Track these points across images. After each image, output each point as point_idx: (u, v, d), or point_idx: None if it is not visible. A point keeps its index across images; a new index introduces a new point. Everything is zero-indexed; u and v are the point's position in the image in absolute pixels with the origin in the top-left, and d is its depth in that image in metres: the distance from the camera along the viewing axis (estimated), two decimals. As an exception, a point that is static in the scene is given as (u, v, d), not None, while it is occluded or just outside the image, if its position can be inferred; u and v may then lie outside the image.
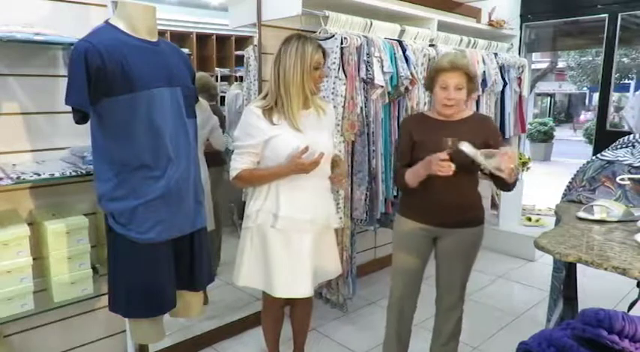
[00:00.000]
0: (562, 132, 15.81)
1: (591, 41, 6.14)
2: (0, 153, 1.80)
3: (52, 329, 2.03)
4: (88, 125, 1.58)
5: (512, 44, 3.95)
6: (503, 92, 3.56)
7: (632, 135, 2.10)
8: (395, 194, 2.74)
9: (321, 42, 1.97)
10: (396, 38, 2.74)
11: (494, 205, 4.35)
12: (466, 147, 1.69)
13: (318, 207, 1.91)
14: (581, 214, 1.72)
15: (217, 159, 2.58)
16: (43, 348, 2.02)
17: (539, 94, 19.94)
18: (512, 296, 3.27)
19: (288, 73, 1.78)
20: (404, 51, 2.68)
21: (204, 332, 2.49)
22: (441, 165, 1.68)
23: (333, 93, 2.40)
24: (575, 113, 21.27)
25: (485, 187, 1.96)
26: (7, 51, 1.75)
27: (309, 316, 2.21)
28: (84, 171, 1.77)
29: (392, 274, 2.09)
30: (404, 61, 2.64)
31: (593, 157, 2.08)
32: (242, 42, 2.79)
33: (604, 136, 3.79)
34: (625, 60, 14.19)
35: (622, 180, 1.88)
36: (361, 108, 2.49)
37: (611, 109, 4.60)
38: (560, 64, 16.62)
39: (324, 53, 1.86)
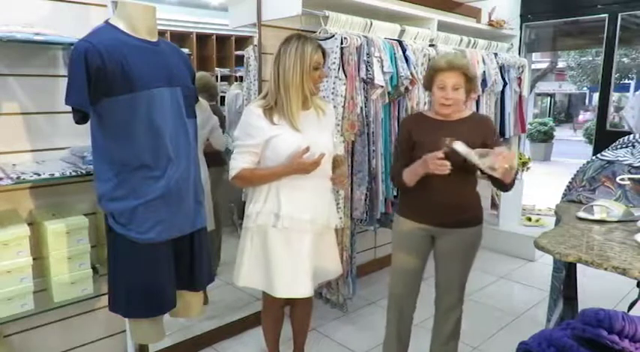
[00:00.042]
0: (562, 132, 15.81)
1: (591, 41, 6.14)
2: (0, 153, 1.80)
3: (52, 329, 2.03)
4: (88, 125, 1.58)
5: (512, 44, 3.95)
6: (503, 92, 3.56)
7: (632, 135, 2.10)
8: (395, 194, 2.74)
9: (321, 42, 1.97)
10: (396, 38, 2.74)
11: (494, 205, 4.36)
12: (459, 146, 1.70)
13: (318, 207, 1.91)
14: (581, 214, 1.72)
15: (217, 159, 2.58)
16: (43, 348, 2.02)
17: (539, 94, 19.94)
18: (512, 296, 3.27)
19: (288, 73, 1.78)
20: (404, 51, 2.68)
21: (204, 332, 2.49)
22: (437, 163, 1.70)
23: (333, 93, 2.40)
24: (575, 113, 21.27)
25: (485, 187, 1.96)
26: (7, 51, 1.75)
27: (309, 316, 2.21)
28: (84, 171, 1.77)
29: (391, 274, 2.09)
30: (404, 61, 2.64)
31: (593, 157, 2.08)
32: (242, 42, 2.79)
33: (604, 136, 3.79)
34: (625, 60, 14.19)
35: (622, 180, 1.88)
36: (361, 108, 2.49)
37: (611, 109, 4.60)
38: (560, 64, 16.62)
39: (324, 53, 1.86)
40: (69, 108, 1.52)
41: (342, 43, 2.39)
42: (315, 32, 2.45)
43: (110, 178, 1.61)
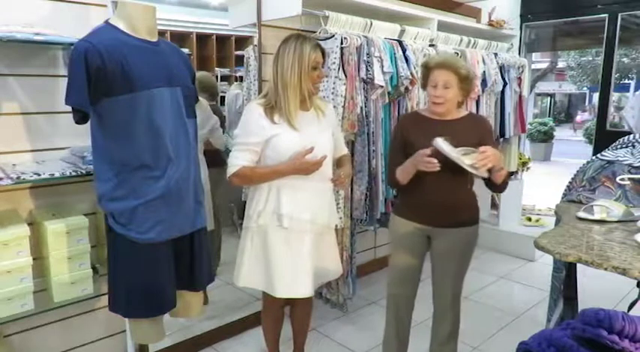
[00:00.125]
0: (562, 132, 15.82)
1: (591, 41, 6.15)
2: (0, 153, 1.80)
3: (52, 329, 2.03)
4: (88, 125, 1.58)
5: (512, 44, 3.95)
6: (503, 92, 3.56)
7: (632, 135, 2.10)
8: (395, 194, 2.74)
9: (321, 42, 1.97)
10: (396, 38, 2.74)
11: (494, 205, 4.36)
12: (440, 143, 1.70)
13: (319, 207, 1.91)
14: (581, 214, 1.72)
15: (217, 159, 2.57)
16: (43, 348, 2.02)
17: (539, 94, 19.95)
18: (512, 296, 3.27)
19: (286, 72, 1.78)
20: (404, 51, 2.68)
21: (204, 332, 2.49)
22: (425, 161, 1.72)
23: (333, 93, 2.40)
24: (575, 113, 21.28)
25: (485, 187, 1.96)
26: (7, 51, 1.75)
27: (309, 316, 2.21)
28: (84, 171, 1.77)
29: (389, 273, 2.09)
30: (404, 61, 2.65)
31: (593, 157, 2.08)
32: (242, 42, 2.79)
33: (604, 136, 3.79)
34: (625, 60, 14.19)
35: (622, 180, 1.88)
36: (361, 108, 2.49)
37: (611, 109, 4.60)
38: (560, 64, 16.62)
39: (324, 53, 1.87)
40: (69, 108, 1.52)
41: (342, 43, 2.39)
42: (315, 32, 2.45)
43: (110, 178, 1.60)
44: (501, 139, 3.69)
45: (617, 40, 3.77)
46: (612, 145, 2.12)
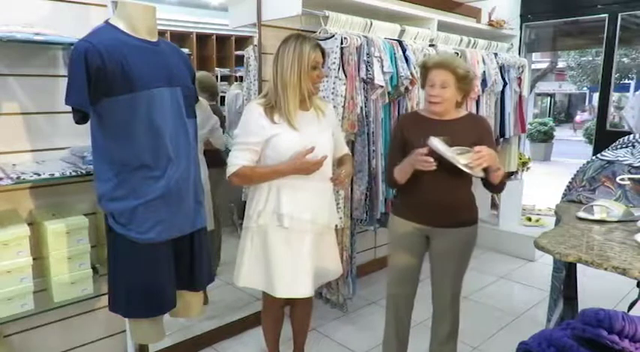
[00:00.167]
0: (562, 132, 15.82)
1: (591, 41, 6.15)
2: (0, 153, 1.80)
3: (52, 329, 2.03)
4: (88, 125, 1.58)
5: (512, 44, 3.95)
6: (503, 92, 3.56)
7: (632, 135, 2.10)
8: (395, 194, 2.74)
9: (321, 42, 1.97)
10: (396, 38, 2.74)
11: (495, 205, 4.36)
12: (434, 142, 1.71)
13: (319, 207, 1.91)
14: (581, 214, 1.72)
15: (217, 159, 2.57)
16: (43, 348, 2.02)
17: (539, 94, 19.95)
18: (512, 296, 3.27)
19: (285, 72, 1.78)
20: (404, 51, 2.68)
21: (204, 332, 2.49)
22: (421, 159, 1.72)
23: (333, 93, 2.40)
24: (575, 113, 21.28)
25: (484, 187, 1.96)
26: (7, 51, 1.75)
27: (309, 316, 2.21)
28: (84, 171, 1.77)
29: (388, 273, 2.10)
30: (404, 61, 2.65)
31: (593, 157, 2.08)
32: (242, 42, 2.79)
33: (604, 136, 3.79)
34: (625, 60, 14.20)
35: (622, 180, 1.88)
36: (361, 108, 2.49)
37: (611, 109, 4.60)
38: (560, 64, 16.62)
39: (323, 53, 1.87)
40: (69, 108, 1.52)
41: (342, 43, 2.39)
42: (315, 32, 2.45)
43: (110, 178, 1.61)
44: (501, 139, 3.69)
45: (617, 40, 3.77)
46: (612, 145, 2.12)
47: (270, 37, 2.47)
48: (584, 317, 0.69)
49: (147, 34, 1.63)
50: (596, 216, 1.68)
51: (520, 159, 4.16)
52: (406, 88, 2.69)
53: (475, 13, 4.03)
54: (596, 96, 7.52)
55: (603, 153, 2.05)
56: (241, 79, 2.79)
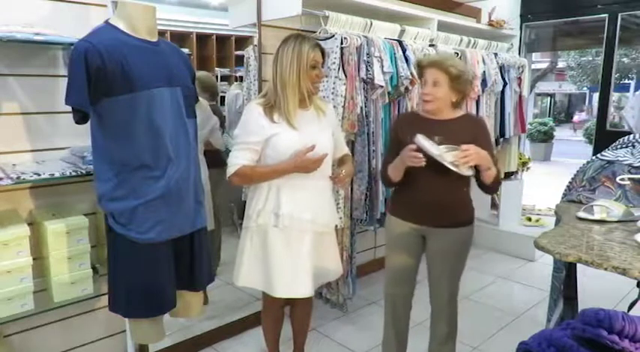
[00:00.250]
0: (562, 132, 15.82)
1: (591, 41, 6.15)
2: (0, 153, 1.80)
3: (52, 329, 2.03)
4: (88, 125, 1.58)
5: (512, 44, 3.95)
6: (503, 92, 3.56)
7: (632, 135, 2.10)
8: (391, 194, 2.75)
9: (321, 42, 1.97)
10: (396, 38, 2.74)
11: (495, 205, 4.36)
12: (420, 139, 1.72)
13: (319, 206, 1.91)
14: (581, 214, 1.72)
15: (217, 159, 2.57)
16: (43, 348, 2.02)
17: (539, 94, 19.96)
18: (512, 296, 3.27)
19: (285, 71, 1.78)
20: (404, 51, 2.68)
21: (204, 332, 2.49)
22: (411, 155, 1.73)
23: (333, 93, 2.40)
24: (575, 113, 21.29)
25: (484, 188, 1.96)
26: (7, 51, 1.75)
27: (309, 316, 2.21)
28: (84, 171, 1.77)
29: (385, 273, 2.10)
30: (404, 61, 2.65)
31: (593, 157, 2.08)
32: (242, 42, 2.79)
33: (604, 136, 3.80)
34: (625, 60, 14.20)
35: (622, 180, 1.88)
36: (361, 108, 2.49)
37: (611, 109, 4.60)
38: (560, 64, 16.63)
39: (323, 52, 1.87)
40: (69, 108, 1.52)
41: (342, 43, 2.39)
42: (315, 32, 2.45)
43: (110, 178, 1.60)
44: (501, 139, 3.69)
45: (617, 40, 3.77)
46: (612, 145, 2.12)
47: (270, 37, 2.47)
48: (584, 317, 0.69)
49: (147, 34, 1.63)
50: (596, 216, 1.68)
51: (520, 159, 4.16)
52: (406, 88, 2.69)
53: (475, 13, 4.03)
54: (596, 96, 7.52)
55: (603, 153, 2.05)
56: (241, 79, 2.79)
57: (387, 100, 2.65)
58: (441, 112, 1.89)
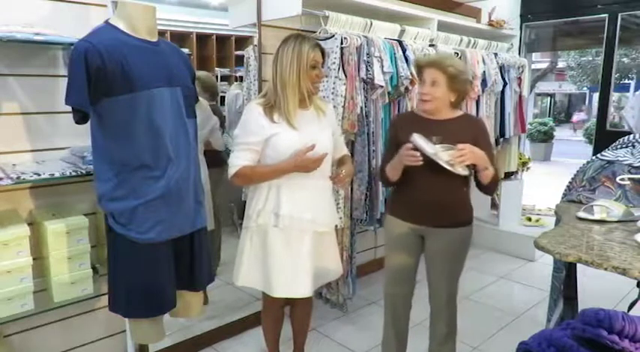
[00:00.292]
0: (562, 132, 15.82)
1: (591, 41, 6.15)
2: (0, 153, 1.80)
3: (52, 329, 2.03)
4: (88, 125, 1.58)
5: (512, 44, 3.95)
6: (503, 92, 3.56)
7: (632, 135, 2.10)
8: (390, 194, 2.75)
9: (321, 42, 1.97)
10: (396, 38, 2.74)
11: (495, 205, 4.36)
12: (416, 139, 1.72)
13: (319, 206, 1.91)
14: (581, 214, 1.72)
15: (217, 159, 2.57)
16: (43, 348, 2.02)
17: (539, 94, 19.96)
18: (512, 296, 3.27)
19: (285, 71, 1.78)
20: (404, 51, 2.68)
21: (204, 332, 2.49)
22: (408, 154, 1.74)
23: (333, 93, 2.40)
24: (574, 113, 21.29)
25: (484, 188, 1.96)
26: (7, 51, 1.75)
27: (309, 316, 2.21)
28: (84, 171, 1.77)
29: (384, 273, 2.10)
30: (404, 61, 2.65)
31: (593, 157, 2.08)
32: (242, 42, 2.79)
33: (604, 136, 3.80)
34: (625, 60, 14.20)
35: (622, 180, 1.88)
36: (361, 108, 2.49)
37: (611, 109, 4.60)
38: (560, 64, 16.63)
39: (323, 52, 1.87)
40: (69, 108, 1.52)
41: (342, 43, 2.39)
42: (315, 32, 2.45)
43: (110, 178, 1.61)
44: (501, 139, 3.69)
45: (617, 40, 3.77)
46: (612, 145, 2.12)
47: (270, 37, 2.47)
48: (584, 317, 0.69)
49: (147, 34, 1.63)
50: (596, 216, 1.68)
51: (520, 159, 4.16)
52: (406, 88, 2.69)
53: (475, 13, 4.03)
54: (596, 96, 7.52)
55: (603, 153, 2.05)
56: (241, 79, 2.79)
57: (387, 100, 2.65)
58: (440, 112, 1.89)
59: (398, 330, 2.10)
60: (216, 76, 2.82)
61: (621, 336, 0.66)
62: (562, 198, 2.10)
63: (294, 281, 1.87)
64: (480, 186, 1.90)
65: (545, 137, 10.92)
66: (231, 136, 2.24)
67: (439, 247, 1.93)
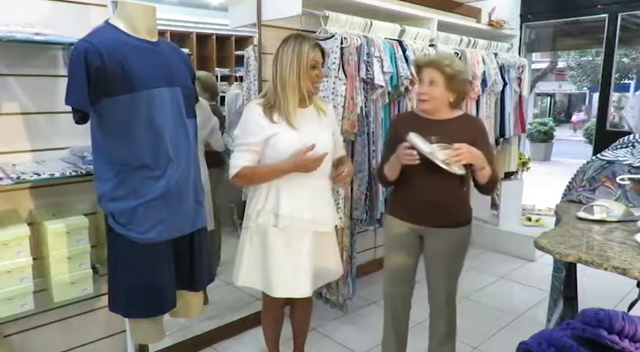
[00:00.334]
0: (562, 132, 15.82)
1: (591, 41, 6.15)
2: (0, 153, 1.80)
3: (52, 329, 2.03)
4: (88, 125, 1.58)
5: (512, 44, 3.95)
6: (503, 92, 3.56)
7: (632, 135, 2.10)
8: (389, 194, 2.75)
9: (321, 42, 1.97)
10: (396, 38, 2.74)
11: (495, 205, 4.36)
12: (413, 138, 1.72)
13: (319, 206, 1.91)
14: (581, 214, 1.72)
15: (217, 159, 2.58)
16: (43, 348, 2.02)
17: (539, 94, 19.96)
18: (512, 296, 3.27)
19: (285, 71, 1.78)
20: (404, 51, 2.68)
21: (204, 332, 2.49)
22: (405, 153, 1.74)
23: (333, 93, 2.40)
24: (573, 113, 21.30)
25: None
26: (7, 51, 1.75)
27: (309, 316, 2.21)
28: (84, 171, 1.77)
29: (384, 273, 2.10)
30: (404, 61, 2.65)
31: (593, 157, 2.08)
32: (242, 42, 2.79)
33: (604, 136, 3.80)
34: (625, 60, 14.20)
35: (622, 180, 1.88)
36: (361, 108, 2.49)
37: (611, 109, 4.60)
38: (560, 64, 16.63)
39: (323, 52, 1.87)
40: (69, 108, 1.52)
41: (342, 43, 2.39)
42: (315, 32, 2.45)
43: (110, 178, 1.61)
44: (501, 139, 3.69)
45: (617, 40, 3.77)
46: (612, 145, 2.12)
47: (270, 37, 2.47)
48: (584, 317, 0.69)
49: (147, 34, 1.63)
50: (596, 216, 1.68)
51: (520, 159, 4.16)
52: (406, 88, 2.69)
53: (475, 13, 4.03)
54: (596, 96, 7.52)
55: (603, 153, 2.05)
56: (241, 79, 2.79)
57: (387, 100, 2.65)
58: (439, 112, 1.89)
59: (398, 330, 2.11)
60: (216, 76, 2.82)
61: (621, 336, 0.66)
62: (562, 198, 2.10)
63: (294, 281, 1.87)
64: (477, 185, 1.90)
65: (545, 137, 10.92)
66: (231, 136, 2.24)
67: (438, 247, 1.93)
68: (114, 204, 1.62)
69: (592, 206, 1.72)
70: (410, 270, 2.03)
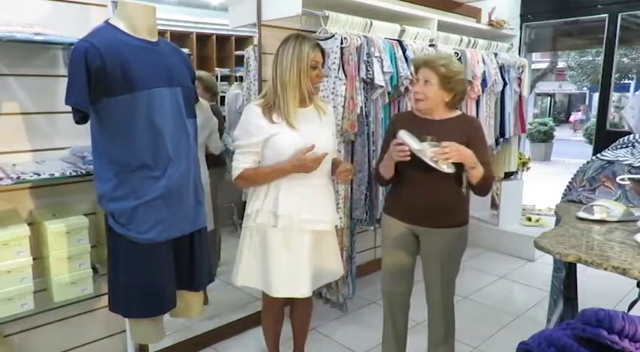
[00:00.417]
0: (562, 132, 15.82)
1: (591, 41, 6.15)
2: (0, 153, 1.80)
3: (52, 329, 2.03)
4: (88, 125, 1.58)
5: (512, 44, 3.95)
6: (503, 92, 3.56)
7: (632, 135, 2.10)
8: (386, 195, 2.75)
9: (321, 42, 1.97)
10: (396, 38, 2.74)
11: (495, 205, 4.36)
12: (403, 135, 1.73)
13: (319, 206, 1.90)
14: (581, 214, 1.72)
15: (217, 159, 2.58)
16: (43, 348, 2.02)
17: (539, 94, 19.97)
18: (512, 296, 3.27)
19: (285, 72, 1.78)
20: (404, 51, 2.68)
21: (204, 332, 2.49)
22: (396, 149, 1.75)
23: (333, 93, 2.40)
24: (572, 113, 21.31)
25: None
26: (7, 51, 1.75)
27: (309, 316, 2.21)
28: (84, 171, 1.77)
29: (381, 271, 2.10)
30: (404, 61, 2.65)
31: (593, 157, 2.08)
32: (242, 42, 2.79)
33: (604, 136, 3.79)
34: (625, 60, 14.21)
35: (622, 180, 1.88)
36: (361, 108, 2.49)
37: (611, 109, 4.60)
38: (560, 64, 16.63)
39: (323, 53, 1.87)
40: (69, 108, 1.52)
41: (342, 43, 2.39)
42: (315, 32, 2.45)
43: (110, 178, 1.61)
44: (501, 139, 3.69)
45: (617, 40, 3.77)
46: (612, 145, 2.12)
47: (270, 37, 2.47)
48: (584, 317, 0.69)
49: (147, 34, 1.63)
50: (596, 216, 1.69)
51: (520, 159, 4.16)
52: (406, 88, 2.69)
53: (475, 13, 4.03)
54: (596, 96, 7.52)
55: (603, 153, 2.05)
56: (241, 79, 2.79)
57: (387, 100, 2.65)
58: (435, 112, 1.89)
59: (397, 329, 2.11)
60: (216, 76, 2.82)
61: (621, 336, 0.66)
62: (562, 198, 2.10)
63: (293, 281, 1.86)
64: (470, 185, 1.89)
65: (545, 137, 10.92)
66: (232, 136, 2.24)
67: (434, 247, 1.93)
68: (114, 204, 1.62)
69: (592, 206, 1.72)
70: (407, 269, 2.03)
